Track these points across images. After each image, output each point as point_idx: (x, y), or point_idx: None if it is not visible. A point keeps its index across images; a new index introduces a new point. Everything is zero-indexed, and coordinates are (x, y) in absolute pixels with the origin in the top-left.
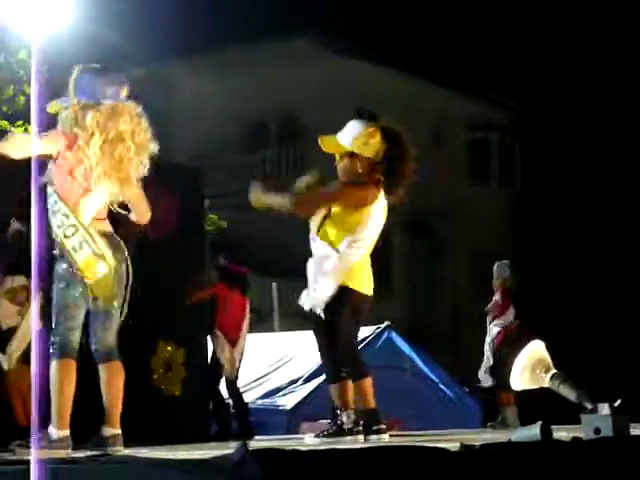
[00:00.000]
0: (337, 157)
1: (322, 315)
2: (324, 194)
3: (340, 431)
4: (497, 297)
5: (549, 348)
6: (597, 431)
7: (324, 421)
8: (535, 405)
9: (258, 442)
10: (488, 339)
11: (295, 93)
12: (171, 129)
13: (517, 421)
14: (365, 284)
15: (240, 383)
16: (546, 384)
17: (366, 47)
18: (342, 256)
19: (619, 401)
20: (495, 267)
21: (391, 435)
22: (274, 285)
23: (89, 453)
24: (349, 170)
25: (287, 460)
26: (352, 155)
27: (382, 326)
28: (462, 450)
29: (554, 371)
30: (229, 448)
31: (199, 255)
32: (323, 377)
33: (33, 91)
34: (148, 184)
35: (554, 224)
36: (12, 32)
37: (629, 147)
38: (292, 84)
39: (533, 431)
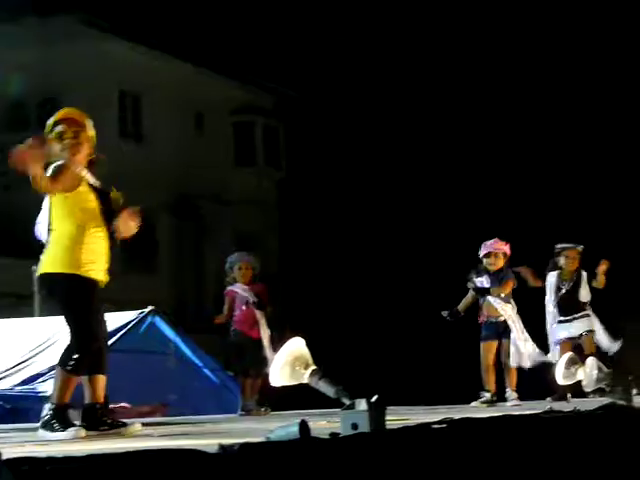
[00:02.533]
0: None
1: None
2: None
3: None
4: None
5: (309, 343)
6: (355, 426)
7: None
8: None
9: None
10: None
11: (58, 72)
12: None
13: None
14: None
15: None
16: (305, 380)
17: (132, 28)
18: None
19: (376, 396)
20: (235, 258)
21: (146, 424)
22: (34, 268)
23: None
24: None
25: (42, 468)
26: None
27: (146, 311)
28: (220, 451)
29: (313, 367)
30: None
31: None
32: None
33: None
34: None
35: (319, 204)
36: None
37: (389, 127)
38: (55, 63)
39: (292, 429)
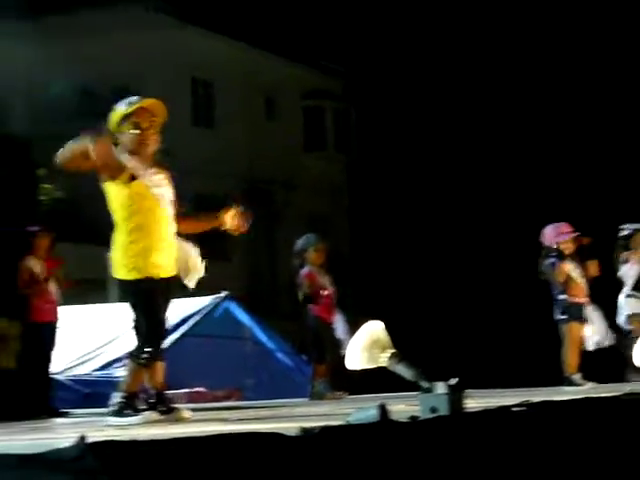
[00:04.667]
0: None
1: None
2: None
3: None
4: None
5: (386, 325)
6: (433, 410)
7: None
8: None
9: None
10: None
11: (132, 60)
12: (4, 98)
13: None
14: None
15: (77, 354)
16: (383, 364)
17: (203, 15)
18: None
19: (455, 379)
20: (311, 240)
21: (222, 408)
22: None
23: None
24: None
25: (126, 451)
26: None
27: (220, 296)
28: (301, 434)
29: (391, 350)
30: (54, 431)
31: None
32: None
33: None
34: None
35: (390, 188)
36: None
37: (462, 108)
38: (129, 51)
39: (371, 412)
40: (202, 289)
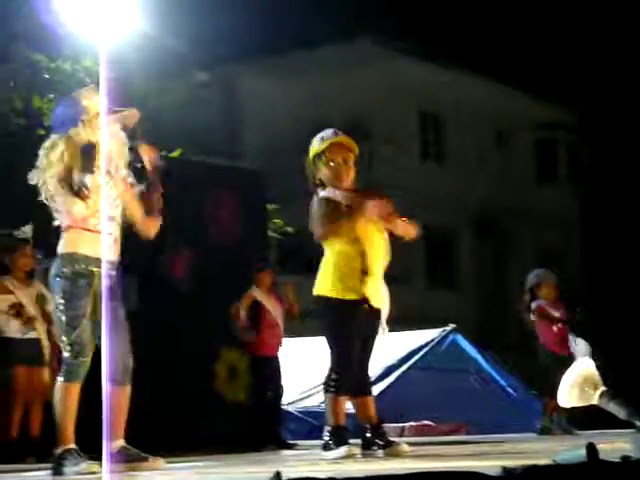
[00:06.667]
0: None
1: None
2: None
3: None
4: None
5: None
6: None
7: (392, 425)
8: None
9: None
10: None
11: (361, 95)
12: (238, 132)
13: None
14: None
15: (307, 386)
16: (595, 401)
17: (430, 48)
18: None
19: None
20: (542, 275)
21: (445, 442)
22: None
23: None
24: None
25: None
26: None
27: (447, 329)
28: (502, 475)
29: (603, 388)
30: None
31: (262, 259)
32: (388, 380)
33: (101, 99)
34: (210, 189)
35: (624, 221)
36: (77, 39)
37: None
38: (358, 86)
39: (579, 452)
40: (430, 321)
